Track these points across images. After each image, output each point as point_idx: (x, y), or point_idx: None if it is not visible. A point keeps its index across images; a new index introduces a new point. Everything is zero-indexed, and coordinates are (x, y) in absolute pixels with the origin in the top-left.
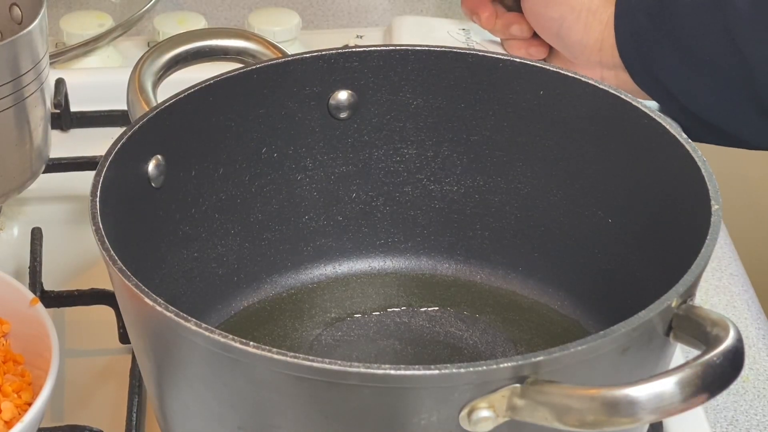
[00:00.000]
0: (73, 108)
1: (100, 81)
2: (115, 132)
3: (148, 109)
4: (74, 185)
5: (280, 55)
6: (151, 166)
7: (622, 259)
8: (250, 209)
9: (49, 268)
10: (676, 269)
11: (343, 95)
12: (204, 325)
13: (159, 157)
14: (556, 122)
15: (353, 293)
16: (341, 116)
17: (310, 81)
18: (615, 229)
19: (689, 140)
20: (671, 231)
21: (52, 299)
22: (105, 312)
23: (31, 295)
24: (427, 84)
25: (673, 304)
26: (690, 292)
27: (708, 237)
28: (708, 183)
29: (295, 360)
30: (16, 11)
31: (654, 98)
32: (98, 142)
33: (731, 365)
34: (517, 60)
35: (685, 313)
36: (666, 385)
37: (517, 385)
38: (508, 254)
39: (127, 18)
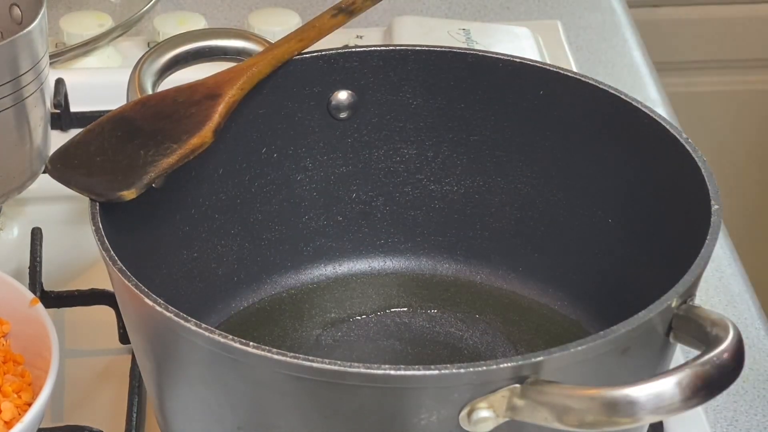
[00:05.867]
0: (73, 108)
1: (100, 81)
2: None
3: None
4: None
5: None
6: None
7: (622, 259)
8: (250, 209)
9: (49, 268)
10: (676, 269)
11: (343, 95)
12: (204, 325)
13: None
14: (556, 122)
15: (353, 293)
16: (341, 116)
17: (310, 81)
18: (615, 229)
19: (689, 140)
20: (671, 231)
21: (52, 299)
22: (105, 312)
23: (31, 295)
24: (427, 84)
25: (673, 304)
26: (690, 292)
27: (708, 237)
28: (708, 183)
29: (295, 360)
30: (16, 11)
31: None
32: None
33: (731, 365)
34: (517, 60)
35: (685, 313)
36: (666, 386)
37: (517, 385)
38: (508, 254)
39: (127, 18)
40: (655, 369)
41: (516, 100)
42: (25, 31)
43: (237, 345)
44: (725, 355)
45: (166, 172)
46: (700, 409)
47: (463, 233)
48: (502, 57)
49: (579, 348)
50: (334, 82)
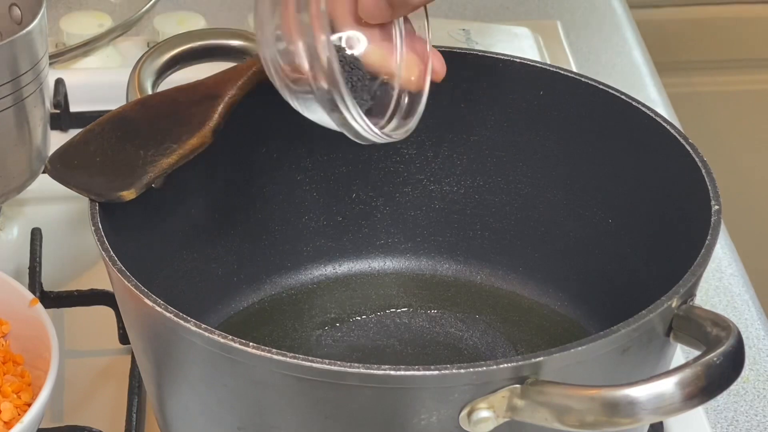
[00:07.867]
0: (73, 108)
1: (99, 81)
2: None
3: None
4: None
5: None
6: None
7: (622, 259)
8: (250, 209)
9: (49, 268)
10: (676, 269)
11: None
12: (204, 325)
13: None
14: (556, 122)
15: (353, 293)
16: None
17: None
18: (615, 229)
19: (689, 140)
20: (671, 231)
21: (52, 300)
22: (105, 312)
23: (30, 296)
24: None
25: (674, 305)
26: (690, 293)
27: (708, 237)
28: (708, 183)
29: (295, 360)
30: (16, 11)
31: None
32: None
33: (731, 366)
34: (517, 60)
35: (686, 313)
36: (666, 386)
37: (517, 385)
38: (508, 254)
39: (126, 18)
40: (655, 369)
41: (516, 100)
42: (24, 31)
43: (237, 345)
44: (725, 356)
45: (166, 172)
46: (700, 409)
47: (463, 233)
48: (502, 57)
49: (579, 348)
50: None
